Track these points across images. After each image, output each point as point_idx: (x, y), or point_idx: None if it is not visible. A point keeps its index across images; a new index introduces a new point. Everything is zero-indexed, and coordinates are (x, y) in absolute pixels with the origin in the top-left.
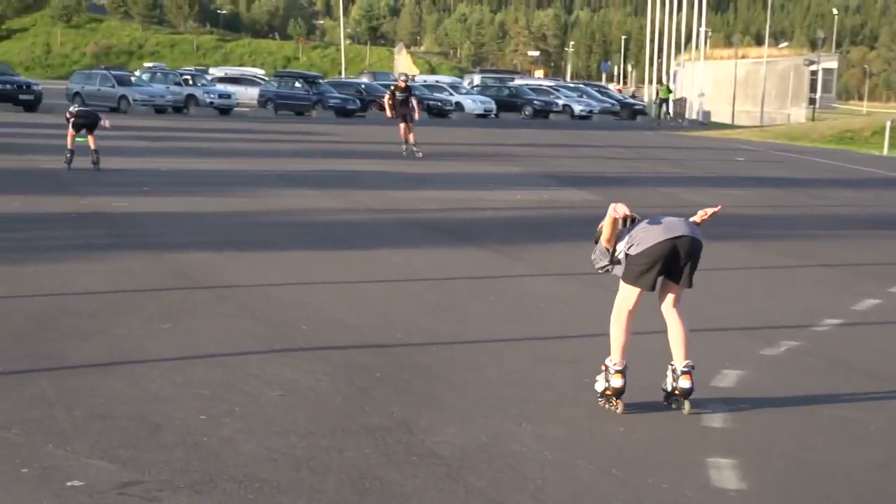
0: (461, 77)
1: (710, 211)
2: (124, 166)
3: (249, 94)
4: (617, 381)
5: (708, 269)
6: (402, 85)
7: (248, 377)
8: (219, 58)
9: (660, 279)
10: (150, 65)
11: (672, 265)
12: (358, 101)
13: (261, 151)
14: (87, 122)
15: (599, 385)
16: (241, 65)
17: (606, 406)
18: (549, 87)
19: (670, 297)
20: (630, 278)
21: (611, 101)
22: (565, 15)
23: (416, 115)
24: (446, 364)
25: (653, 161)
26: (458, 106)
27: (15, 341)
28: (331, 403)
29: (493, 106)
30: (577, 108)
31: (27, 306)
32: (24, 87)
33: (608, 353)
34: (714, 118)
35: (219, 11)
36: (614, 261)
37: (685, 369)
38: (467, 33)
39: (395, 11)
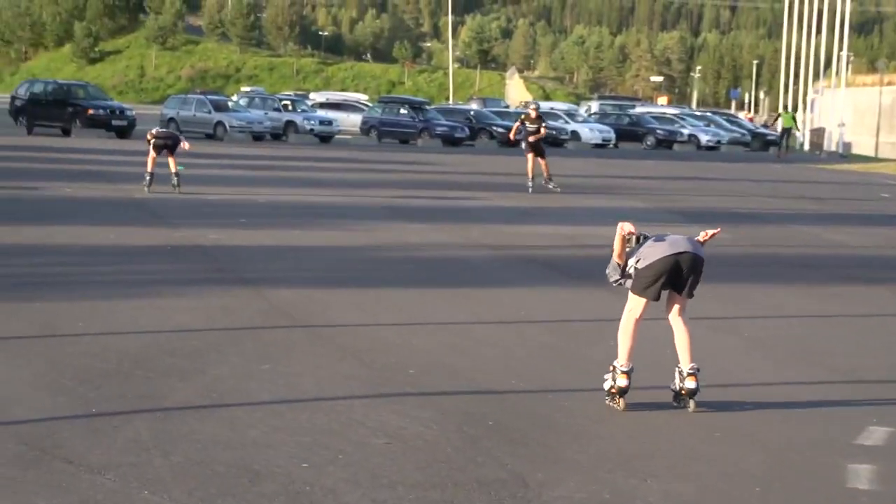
0: (578, 104)
1: (710, 232)
2: (220, 196)
3: (352, 120)
4: (622, 381)
5: (851, 316)
6: (535, 115)
7: (353, 423)
8: (320, 82)
9: (665, 291)
10: (248, 89)
11: (676, 278)
12: (467, 129)
13: (364, 182)
14: (167, 144)
15: (607, 384)
16: (343, 89)
17: (611, 404)
18: (674, 115)
19: (676, 307)
20: (638, 289)
21: (741, 130)
22: (692, 37)
23: (533, 138)
24: (565, 413)
25: (788, 197)
26: (575, 135)
27: (110, 381)
28: (440, 453)
29: (612, 135)
30: (704, 139)
31: (122, 344)
32: (118, 112)
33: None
34: (855, 150)
35: (320, 33)
36: (626, 275)
37: (691, 371)
38: (585, 57)
39: (507, 33)
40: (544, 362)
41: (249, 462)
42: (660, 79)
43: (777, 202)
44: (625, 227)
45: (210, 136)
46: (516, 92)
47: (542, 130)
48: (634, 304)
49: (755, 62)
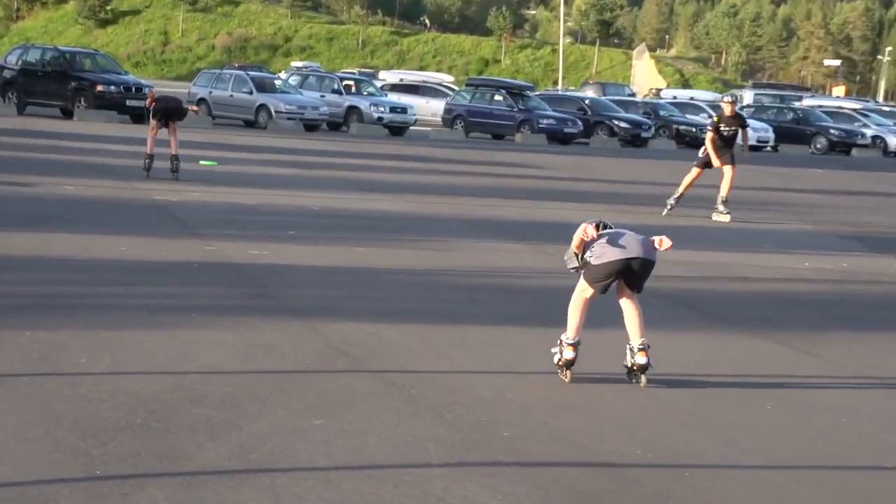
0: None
1: (665, 244)
2: (263, 201)
3: (432, 107)
4: (569, 354)
5: None
6: (732, 112)
7: (430, 498)
8: (392, 57)
9: (616, 283)
10: (301, 64)
11: (627, 276)
12: (579, 123)
13: (446, 187)
14: (169, 108)
15: (555, 357)
16: (422, 68)
17: (560, 376)
18: (853, 110)
19: (626, 293)
20: (588, 280)
21: None
22: (881, 9)
23: (745, 153)
24: (704, 495)
25: None
26: None
27: (120, 435)
28: None
29: (769, 134)
30: (894, 142)
31: (135, 387)
32: (134, 89)
33: None
34: None
35: None
36: (582, 264)
37: (641, 346)
38: (737, 32)
39: (635, 1)
40: (677, 428)
41: None
42: (836, 63)
43: None
44: (588, 232)
45: (250, 124)
46: (646, 76)
47: (746, 138)
48: (585, 287)
49: None
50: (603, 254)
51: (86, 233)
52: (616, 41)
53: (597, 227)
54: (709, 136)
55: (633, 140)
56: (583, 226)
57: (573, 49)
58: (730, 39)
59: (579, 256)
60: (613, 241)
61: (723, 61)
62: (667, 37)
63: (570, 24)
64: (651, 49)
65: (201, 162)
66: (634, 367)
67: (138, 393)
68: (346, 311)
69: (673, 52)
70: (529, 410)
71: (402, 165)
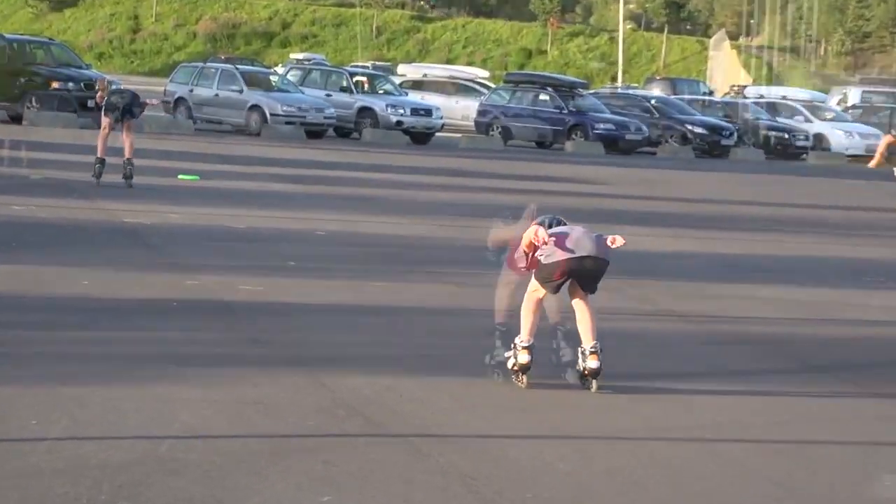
0: (826, 91)
1: (618, 243)
2: (255, 225)
3: (462, 109)
4: (524, 358)
5: None
6: None
7: None
8: (413, 48)
9: (569, 282)
10: (302, 56)
11: (579, 276)
12: (644, 128)
13: (479, 207)
14: (123, 103)
15: (509, 362)
16: (449, 61)
17: (515, 382)
18: None
19: (579, 294)
20: (539, 280)
21: None
22: None
23: None
24: None
25: None
26: (820, 140)
27: None
28: None
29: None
30: None
31: (101, 455)
32: (97, 87)
33: None
34: None
35: None
36: (531, 263)
37: (592, 349)
38: (839, 16)
39: None
40: None
41: None
42: None
43: None
44: (539, 235)
45: (240, 129)
46: (726, 70)
47: None
48: (536, 287)
49: None
50: (554, 252)
51: (39, 264)
52: (689, 27)
53: (550, 224)
54: (887, 139)
55: (712, 149)
56: (533, 227)
57: (636, 37)
58: (830, 25)
59: (528, 256)
60: (565, 240)
61: (822, 52)
62: (752, 22)
63: (631, 6)
64: (732, 37)
65: (180, 176)
66: (586, 372)
67: (103, 463)
68: (358, 360)
69: (759, 40)
70: (586, 485)
71: (427, 181)
